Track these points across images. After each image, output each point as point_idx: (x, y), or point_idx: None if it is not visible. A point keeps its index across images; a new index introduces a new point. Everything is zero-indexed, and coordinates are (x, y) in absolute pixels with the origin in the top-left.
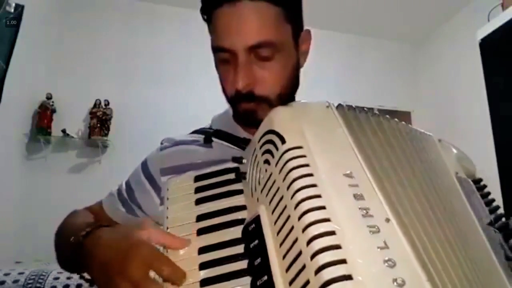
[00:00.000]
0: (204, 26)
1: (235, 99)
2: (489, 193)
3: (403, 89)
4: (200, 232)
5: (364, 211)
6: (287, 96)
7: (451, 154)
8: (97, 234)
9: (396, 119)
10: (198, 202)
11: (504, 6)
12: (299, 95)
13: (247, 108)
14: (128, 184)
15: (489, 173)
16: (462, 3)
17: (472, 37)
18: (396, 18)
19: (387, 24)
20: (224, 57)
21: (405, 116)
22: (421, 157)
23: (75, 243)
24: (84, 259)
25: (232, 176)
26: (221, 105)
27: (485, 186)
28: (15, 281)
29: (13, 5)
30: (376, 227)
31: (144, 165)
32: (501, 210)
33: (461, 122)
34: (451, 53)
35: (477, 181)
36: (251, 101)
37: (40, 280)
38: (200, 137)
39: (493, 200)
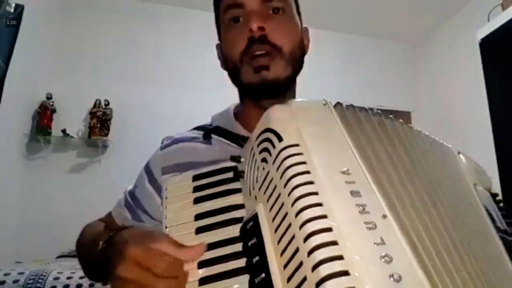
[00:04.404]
0: (204, 26)
1: (246, 49)
2: (504, 208)
3: (403, 89)
4: (199, 230)
5: (361, 207)
6: (296, 62)
7: (470, 166)
8: (115, 239)
9: (401, 120)
10: (197, 201)
11: (504, 6)
12: (299, 96)
13: (260, 57)
14: (133, 189)
15: (489, 173)
16: (462, 3)
17: (472, 37)
18: (396, 18)
19: (387, 24)
20: (235, 14)
21: (405, 116)
22: (428, 159)
23: (101, 251)
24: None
25: (230, 175)
26: (221, 105)
27: (500, 201)
28: (15, 281)
29: (13, 5)
30: (373, 224)
31: (147, 167)
32: None
33: (461, 122)
34: (451, 53)
35: (493, 195)
36: (264, 44)
37: (40, 280)
38: (200, 134)
39: (509, 214)
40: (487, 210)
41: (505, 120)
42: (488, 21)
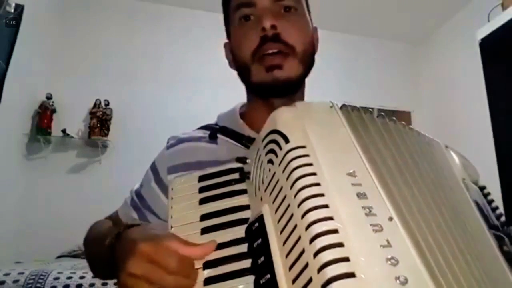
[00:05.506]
0: (204, 26)
1: (258, 47)
2: (492, 200)
3: (403, 89)
4: (204, 231)
5: (367, 209)
6: (307, 61)
7: (457, 161)
8: (123, 235)
9: (403, 122)
10: (202, 201)
11: (504, 6)
12: None
13: (272, 55)
14: (139, 188)
15: (489, 173)
16: (462, 3)
17: (472, 37)
18: (396, 18)
19: (387, 24)
20: (246, 13)
21: (405, 116)
22: (428, 160)
23: (109, 246)
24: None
25: (236, 176)
26: (221, 105)
27: (488, 194)
28: (15, 281)
29: (13, 5)
30: (379, 226)
31: (153, 167)
32: (503, 218)
33: (461, 122)
34: (451, 53)
35: (481, 188)
36: (277, 43)
37: (40, 280)
38: (206, 134)
39: (497, 207)
40: (477, 205)
41: (505, 120)
42: (488, 21)
